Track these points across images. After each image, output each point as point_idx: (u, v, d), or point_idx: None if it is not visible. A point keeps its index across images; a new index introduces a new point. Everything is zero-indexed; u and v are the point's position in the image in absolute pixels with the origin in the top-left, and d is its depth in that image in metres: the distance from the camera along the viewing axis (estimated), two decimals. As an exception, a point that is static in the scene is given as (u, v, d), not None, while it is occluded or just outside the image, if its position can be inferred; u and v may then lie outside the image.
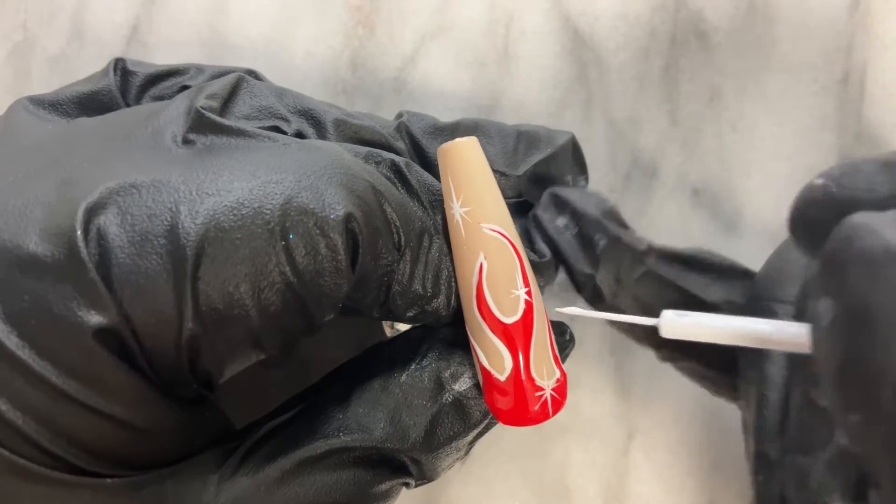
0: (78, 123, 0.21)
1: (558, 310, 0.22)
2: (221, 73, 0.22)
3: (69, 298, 0.16)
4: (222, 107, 0.20)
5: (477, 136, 0.20)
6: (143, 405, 0.17)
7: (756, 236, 0.28)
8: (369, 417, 0.19)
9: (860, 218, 0.14)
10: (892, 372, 0.13)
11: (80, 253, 0.16)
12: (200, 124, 0.19)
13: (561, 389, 0.19)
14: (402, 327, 0.22)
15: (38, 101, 0.22)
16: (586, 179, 0.24)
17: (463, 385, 0.19)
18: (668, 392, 0.30)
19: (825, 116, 0.28)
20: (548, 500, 0.30)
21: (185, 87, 0.22)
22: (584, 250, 0.22)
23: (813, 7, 0.28)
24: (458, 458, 0.20)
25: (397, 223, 0.19)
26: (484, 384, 0.19)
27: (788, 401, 0.21)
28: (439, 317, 0.20)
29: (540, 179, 0.23)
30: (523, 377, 0.19)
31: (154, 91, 0.23)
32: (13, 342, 0.16)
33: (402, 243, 0.19)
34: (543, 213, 0.23)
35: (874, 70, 0.28)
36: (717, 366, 0.24)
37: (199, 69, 0.23)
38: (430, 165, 0.22)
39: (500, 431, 0.22)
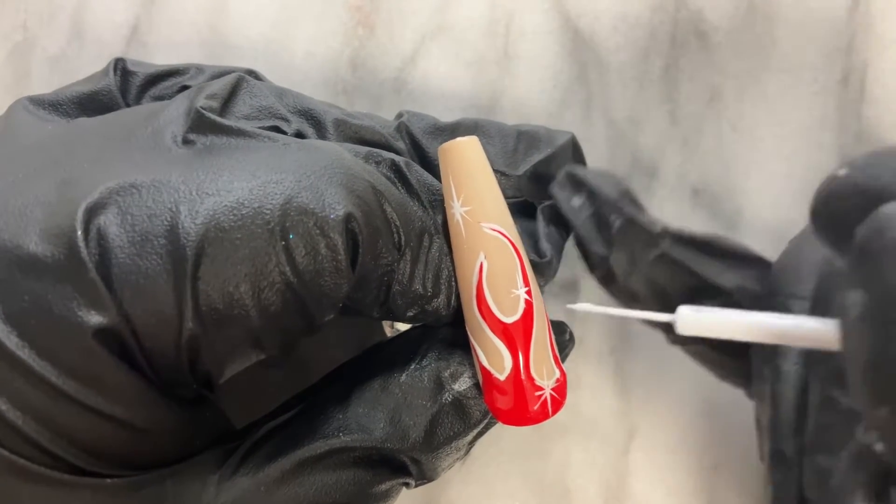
0: (78, 123, 0.21)
1: (569, 306, 0.22)
2: (221, 74, 0.22)
3: (69, 298, 0.16)
4: (222, 107, 0.20)
5: (477, 136, 0.20)
6: (143, 405, 0.17)
7: (756, 236, 0.28)
8: (369, 417, 0.19)
9: (893, 208, 0.14)
10: None
11: (81, 253, 0.16)
12: (200, 124, 0.19)
13: (561, 389, 0.19)
14: (403, 327, 0.22)
15: (38, 102, 0.22)
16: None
17: (463, 385, 0.19)
18: (668, 392, 0.30)
19: (825, 116, 0.28)
20: (548, 500, 0.30)
21: (185, 87, 0.22)
22: (600, 231, 0.22)
23: (813, 7, 0.28)
24: (457, 458, 0.20)
25: (397, 223, 0.19)
26: (484, 384, 0.19)
27: (805, 398, 0.21)
28: (439, 316, 0.20)
29: (540, 179, 0.23)
30: (523, 377, 0.19)
31: (154, 91, 0.23)
32: (13, 342, 0.16)
33: (403, 243, 0.19)
34: (559, 191, 0.22)
35: (874, 70, 0.28)
36: (728, 350, 0.24)
37: (199, 69, 0.23)
38: (431, 165, 0.22)
39: (500, 431, 0.22)
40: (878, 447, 0.18)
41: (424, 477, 0.20)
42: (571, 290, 0.31)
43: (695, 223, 0.29)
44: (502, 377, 0.19)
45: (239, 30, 0.31)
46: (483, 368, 0.19)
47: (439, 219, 0.20)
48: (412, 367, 0.20)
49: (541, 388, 0.19)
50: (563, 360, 0.20)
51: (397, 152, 0.22)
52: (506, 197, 0.20)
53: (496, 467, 0.30)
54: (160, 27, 0.31)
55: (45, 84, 0.32)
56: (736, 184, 0.29)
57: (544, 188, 0.23)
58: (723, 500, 0.30)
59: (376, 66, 0.30)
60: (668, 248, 0.22)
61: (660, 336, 0.27)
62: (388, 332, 0.27)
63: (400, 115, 0.23)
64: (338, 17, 0.31)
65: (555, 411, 0.19)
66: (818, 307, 0.20)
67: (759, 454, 0.24)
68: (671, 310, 0.22)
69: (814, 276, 0.21)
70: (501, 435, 0.30)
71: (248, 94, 0.21)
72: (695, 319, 0.19)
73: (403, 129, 0.22)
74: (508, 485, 0.30)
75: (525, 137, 0.23)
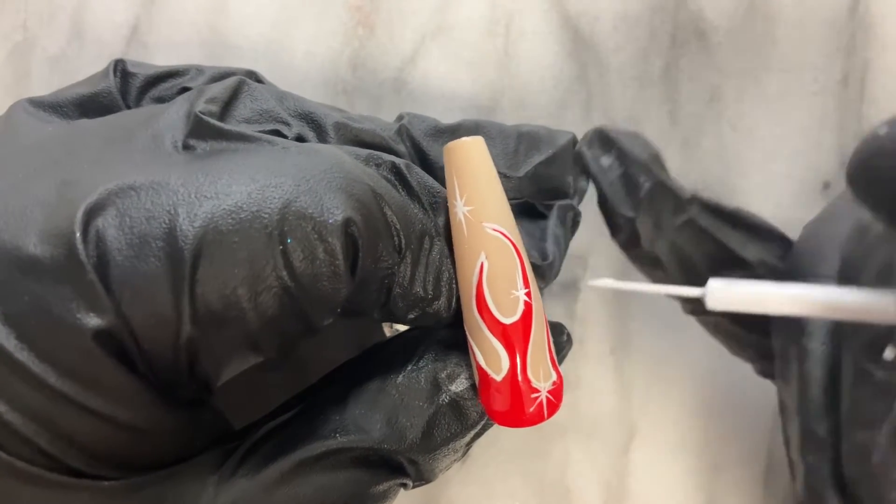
0: (78, 125, 0.21)
1: (590, 283, 0.21)
2: (222, 75, 0.22)
3: (69, 300, 0.16)
4: (222, 110, 0.20)
5: None
6: (142, 407, 0.17)
7: (756, 236, 0.28)
8: (367, 418, 0.19)
9: None
10: None
11: (80, 255, 0.16)
12: (200, 129, 0.19)
13: (557, 392, 0.19)
14: (403, 328, 0.22)
15: (39, 103, 0.22)
16: (587, 180, 0.24)
17: (459, 386, 0.19)
18: (668, 392, 0.30)
19: (825, 116, 0.28)
20: (548, 500, 0.30)
21: (185, 89, 0.22)
22: (628, 192, 0.22)
23: (813, 7, 0.28)
24: (455, 460, 0.20)
25: (398, 226, 0.18)
26: (480, 384, 0.19)
27: (834, 377, 0.20)
28: (440, 318, 0.20)
29: (541, 180, 0.23)
30: (520, 378, 0.19)
31: (154, 92, 0.22)
32: (12, 344, 0.16)
33: (403, 246, 0.19)
34: (588, 149, 0.22)
35: (874, 70, 0.28)
36: (749, 324, 0.24)
37: (200, 70, 0.23)
38: (432, 167, 0.22)
39: (500, 431, 0.22)
40: None
41: (422, 478, 0.20)
42: (571, 290, 0.31)
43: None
44: (499, 378, 0.19)
45: (239, 30, 0.31)
46: (480, 369, 0.19)
47: (440, 221, 0.20)
48: (409, 368, 0.20)
49: (537, 391, 0.19)
50: (560, 362, 0.20)
51: (398, 155, 0.22)
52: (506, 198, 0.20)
53: (496, 467, 0.30)
54: (160, 27, 0.31)
55: (45, 84, 0.32)
56: (736, 184, 0.29)
57: (545, 189, 0.23)
58: (723, 500, 0.30)
59: (376, 66, 0.30)
60: (695, 215, 0.22)
61: (660, 336, 0.27)
62: (388, 333, 0.27)
63: (400, 118, 0.23)
64: (338, 17, 0.31)
65: (550, 414, 0.19)
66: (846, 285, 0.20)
67: (784, 438, 0.23)
68: (692, 277, 0.22)
69: (837, 256, 0.21)
70: (501, 435, 0.30)
71: (248, 97, 0.21)
72: (727, 293, 0.18)
73: (404, 131, 0.22)
74: (508, 485, 0.30)
75: (526, 138, 0.23)
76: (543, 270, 0.21)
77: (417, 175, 0.20)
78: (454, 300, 0.20)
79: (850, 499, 0.20)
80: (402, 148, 0.22)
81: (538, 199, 0.23)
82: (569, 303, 0.31)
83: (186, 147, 0.18)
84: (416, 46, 0.30)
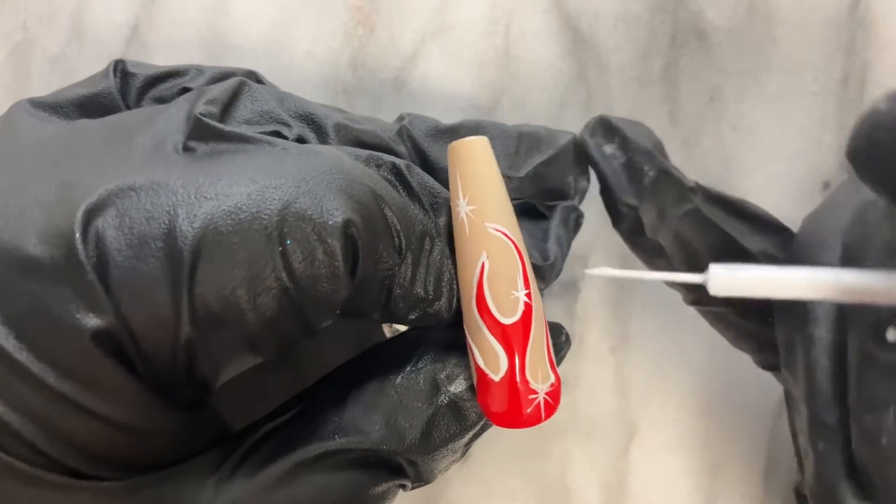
0: (79, 125, 0.21)
1: (587, 271, 0.21)
2: (222, 75, 0.22)
3: (68, 301, 0.16)
4: (222, 111, 0.20)
5: None
6: (141, 407, 0.17)
7: (756, 237, 0.28)
8: (365, 419, 0.19)
9: None
10: None
11: (79, 255, 0.16)
12: (200, 131, 0.19)
13: (555, 394, 0.19)
14: (403, 328, 0.22)
15: (39, 104, 0.22)
16: (588, 180, 0.24)
17: (458, 387, 0.19)
18: (668, 392, 0.30)
19: (825, 116, 0.28)
20: (548, 500, 0.30)
21: (185, 89, 0.22)
22: (631, 180, 0.22)
23: (813, 7, 0.28)
24: (454, 460, 0.20)
25: (398, 227, 0.18)
26: (478, 384, 0.19)
27: (841, 365, 0.20)
28: (441, 319, 0.20)
29: (541, 180, 0.23)
30: (518, 379, 0.19)
31: (154, 93, 0.22)
32: (11, 344, 0.16)
33: (403, 246, 0.19)
34: (590, 137, 0.22)
35: (874, 70, 0.28)
36: (751, 314, 0.23)
37: (200, 70, 0.23)
38: (432, 168, 0.22)
39: (499, 431, 0.22)
40: None
41: (421, 479, 0.20)
42: (571, 290, 0.31)
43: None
44: (497, 378, 0.19)
45: (239, 30, 0.31)
46: (478, 368, 0.19)
47: (441, 221, 0.20)
48: (408, 369, 0.20)
49: (535, 392, 0.19)
50: (559, 363, 0.20)
51: (399, 156, 0.21)
52: None
53: (496, 467, 0.30)
54: (160, 27, 0.31)
55: (45, 84, 0.32)
56: (736, 184, 0.29)
57: (545, 189, 0.23)
58: (722, 499, 0.30)
59: (376, 66, 0.30)
60: (699, 204, 0.22)
61: (659, 336, 0.27)
62: (388, 334, 0.27)
63: (401, 118, 0.23)
64: (338, 17, 0.31)
65: (548, 415, 0.19)
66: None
67: (791, 428, 0.23)
68: (694, 266, 0.22)
69: (838, 243, 0.21)
70: (501, 435, 0.30)
71: (249, 98, 0.21)
72: (729, 278, 0.18)
73: (405, 132, 0.22)
74: (508, 485, 0.30)
75: (526, 138, 0.23)
76: (544, 271, 0.21)
77: (418, 176, 0.20)
78: (455, 300, 0.20)
79: (861, 484, 0.20)
80: (402, 149, 0.22)
81: (539, 199, 0.23)
82: (569, 303, 0.31)
83: (186, 149, 0.18)
84: (416, 46, 0.30)
